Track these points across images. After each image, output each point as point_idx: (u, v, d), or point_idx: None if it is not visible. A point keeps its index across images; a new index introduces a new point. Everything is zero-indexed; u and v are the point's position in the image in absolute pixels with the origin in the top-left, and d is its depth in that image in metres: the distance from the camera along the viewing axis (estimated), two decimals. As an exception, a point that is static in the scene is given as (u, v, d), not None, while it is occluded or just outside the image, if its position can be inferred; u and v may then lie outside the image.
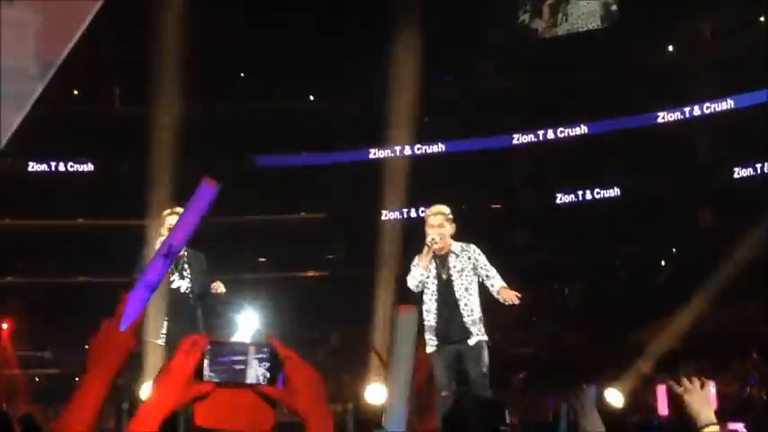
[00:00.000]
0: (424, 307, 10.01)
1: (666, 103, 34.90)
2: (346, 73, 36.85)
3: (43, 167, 37.53)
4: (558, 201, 36.56)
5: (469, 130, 37.16)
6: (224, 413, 2.44)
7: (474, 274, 10.09)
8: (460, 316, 9.97)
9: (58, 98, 34.93)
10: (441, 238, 10.00)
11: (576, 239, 35.30)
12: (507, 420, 5.71)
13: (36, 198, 34.60)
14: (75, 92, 38.91)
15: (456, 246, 10.16)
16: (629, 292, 32.56)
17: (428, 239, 9.96)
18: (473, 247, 10.28)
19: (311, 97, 40.10)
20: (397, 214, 36.60)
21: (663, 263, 35.25)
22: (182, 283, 10.60)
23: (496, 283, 10.04)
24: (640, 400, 16.23)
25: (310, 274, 38.86)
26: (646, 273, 34.50)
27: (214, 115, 36.05)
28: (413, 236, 10.69)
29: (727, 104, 33.79)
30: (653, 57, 35.23)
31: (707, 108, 34.12)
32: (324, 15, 36.53)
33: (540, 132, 36.76)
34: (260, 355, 2.46)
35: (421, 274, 10.02)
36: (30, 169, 37.08)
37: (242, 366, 2.45)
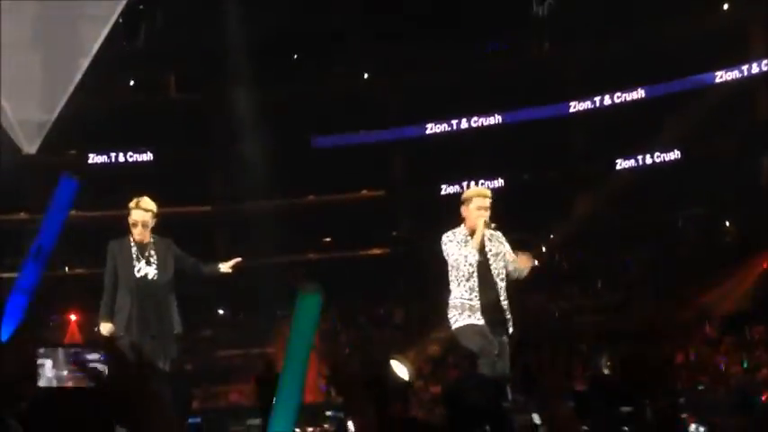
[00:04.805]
0: (462, 286, 10.08)
1: (724, 62, 34.50)
2: (399, 50, 36.81)
3: (103, 159, 37.93)
4: (618, 166, 36.35)
5: (525, 100, 36.96)
6: (59, 418, 2.40)
7: (503, 261, 10.26)
8: (498, 301, 10.11)
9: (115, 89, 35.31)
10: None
11: (637, 204, 35.22)
12: (509, 397, 5.72)
13: (97, 190, 34.90)
14: (132, 82, 39.27)
15: (486, 231, 10.34)
16: (694, 255, 32.37)
17: (481, 221, 10.05)
18: (500, 233, 10.45)
19: (365, 75, 40.07)
20: (456, 188, 36.63)
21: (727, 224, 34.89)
22: (148, 270, 10.58)
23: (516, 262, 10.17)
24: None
25: (375, 251, 38.87)
26: (709, 235, 34.23)
27: (269, 99, 36.10)
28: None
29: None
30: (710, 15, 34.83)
31: (765, 65, 33.73)
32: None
33: (597, 99, 36.54)
34: (93, 358, 2.42)
35: (473, 255, 10.11)
36: (90, 161, 37.47)
37: (80, 372, 2.41)
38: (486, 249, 10.07)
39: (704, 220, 34.39)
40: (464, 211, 10.19)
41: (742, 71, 34.26)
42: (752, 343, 25.88)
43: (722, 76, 34.54)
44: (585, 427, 3.96)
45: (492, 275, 10.04)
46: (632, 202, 35.37)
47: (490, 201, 10.21)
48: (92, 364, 2.46)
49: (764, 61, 33.64)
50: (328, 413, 8.92)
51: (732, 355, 25.33)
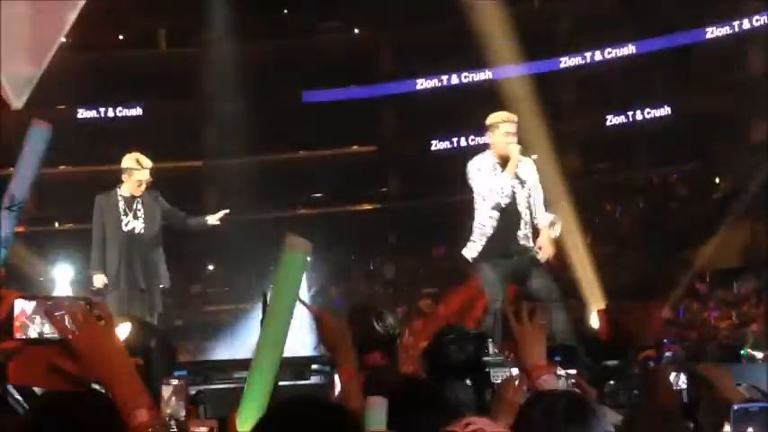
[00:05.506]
0: (487, 215, 9.61)
1: (716, 17, 34.35)
2: (390, 5, 36.59)
3: (93, 114, 37.77)
4: (608, 123, 36.27)
5: (516, 56, 36.75)
6: (37, 370, 2.33)
7: (529, 189, 9.80)
8: (521, 229, 9.69)
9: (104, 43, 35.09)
10: None
11: (627, 160, 35.24)
12: (490, 351, 5.64)
13: (86, 144, 34.79)
14: (121, 36, 39.08)
15: None
16: (684, 211, 32.41)
17: (514, 148, 9.56)
18: (532, 160, 10.00)
19: (356, 30, 39.90)
20: (446, 144, 36.57)
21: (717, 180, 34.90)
22: (136, 224, 10.53)
23: (541, 217, 9.78)
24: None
25: (365, 207, 38.85)
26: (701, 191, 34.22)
27: (259, 54, 35.96)
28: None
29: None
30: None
31: (756, 21, 33.61)
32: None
33: (588, 54, 36.39)
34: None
35: (508, 185, 9.65)
36: (79, 116, 37.25)
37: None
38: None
39: (694, 175, 34.39)
40: (490, 136, 9.82)
41: (733, 27, 34.11)
42: (741, 298, 25.97)
43: (713, 32, 34.40)
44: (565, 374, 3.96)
45: (516, 204, 9.71)
46: (622, 158, 35.39)
47: (516, 125, 9.80)
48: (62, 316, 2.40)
49: (756, 17, 33.53)
50: (314, 366, 8.85)
51: (721, 310, 25.41)
